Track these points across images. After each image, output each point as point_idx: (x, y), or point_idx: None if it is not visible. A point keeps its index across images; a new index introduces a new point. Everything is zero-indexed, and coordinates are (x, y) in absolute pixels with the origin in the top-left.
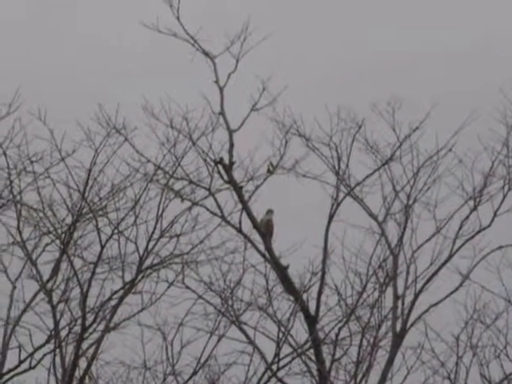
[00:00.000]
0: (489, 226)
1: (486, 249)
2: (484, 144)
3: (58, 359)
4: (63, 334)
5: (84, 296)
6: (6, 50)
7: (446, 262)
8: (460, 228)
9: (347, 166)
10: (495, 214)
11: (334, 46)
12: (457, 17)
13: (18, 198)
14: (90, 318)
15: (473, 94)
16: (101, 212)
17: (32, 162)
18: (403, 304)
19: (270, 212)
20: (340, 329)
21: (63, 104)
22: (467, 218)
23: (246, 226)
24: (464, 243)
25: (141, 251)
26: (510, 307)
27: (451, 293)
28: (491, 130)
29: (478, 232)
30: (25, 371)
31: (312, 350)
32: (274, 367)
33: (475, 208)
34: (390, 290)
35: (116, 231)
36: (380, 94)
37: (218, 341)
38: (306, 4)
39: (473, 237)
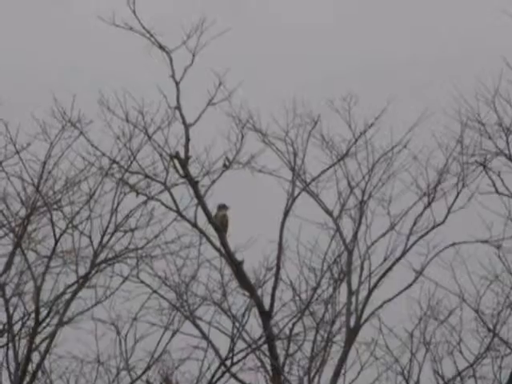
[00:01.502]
0: (443, 222)
1: (440, 245)
2: (438, 141)
3: (11, 353)
4: (16, 327)
5: (38, 290)
6: None
7: (399, 258)
8: (414, 224)
9: (303, 161)
10: (449, 211)
11: (291, 41)
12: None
13: None
14: (43, 312)
15: (427, 90)
16: (55, 206)
17: None
18: (357, 300)
19: (222, 207)
20: (294, 324)
21: (18, 96)
22: (421, 214)
23: (202, 220)
24: (418, 239)
25: (95, 245)
26: (463, 304)
27: (405, 289)
28: (445, 127)
29: (432, 228)
30: None
31: (266, 346)
32: (228, 362)
33: (429, 204)
34: (344, 286)
35: (70, 225)
36: (336, 90)
37: (172, 336)
38: None
39: (427, 233)
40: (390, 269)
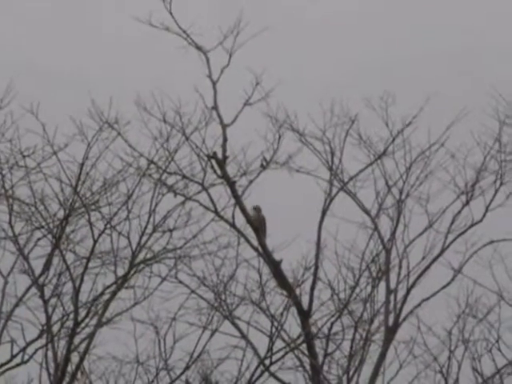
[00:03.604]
0: (481, 220)
1: (478, 243)
2: (476, 139)
3: (50, 354)
4: (55, 328)
5: (76, 291)
6: None
7: (438, 256)
8: (452, 223)
9: (340, 160)
10: (487, 209)
11: (328, 41)
12: (449, 16)
13: (10, 192)
14: (82, 312)
15: (465, 89)
16: (93, 206)
17: (24, 156)
18: (396, 298)
19: (256, 209)
20: (333, 323)
21: (55, 98)
22: (459, 212)
23: (239, 220)
24: (456, 238)
25: (133, 246)
26: (501, 301)
27: (443, 287)
28: (483, 125)
29: (470, 227)
30: (17, 366)
31: (305, 345)
32: (267, 362)
33: (467, 203)
34: (382, 285)
35: (108, 226)
36: (373, 89)
37: (211, 335)
38: None
39: (465, 231)
40: (428, 267)
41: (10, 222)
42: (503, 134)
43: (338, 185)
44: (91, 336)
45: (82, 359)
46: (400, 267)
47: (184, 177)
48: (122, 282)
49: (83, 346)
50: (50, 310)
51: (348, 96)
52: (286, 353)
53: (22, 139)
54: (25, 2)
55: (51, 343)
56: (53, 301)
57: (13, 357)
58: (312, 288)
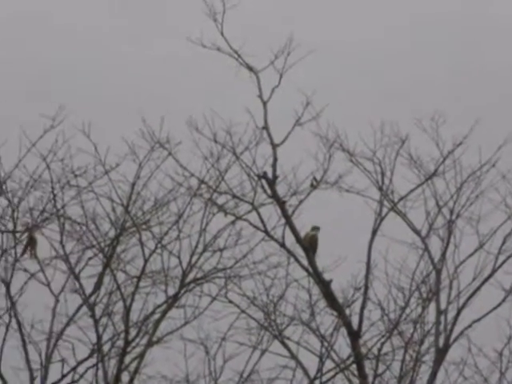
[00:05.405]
0: None
1: None
2: None
3: (100, 373)
4: (106, 348)
5: (127, 310)
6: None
7: (488, 277)
8: (503, 243)
9: (390, 180)
10: None
11: (378, 61)
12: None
13: (62, 211)
14: (132, 332)
15: None
16: (144, 226)
17: (76, 175)
18: (446, 319)
19: (315, 229)
20: (383, 344)
21: (107, 118)
22: (510, 233)
23: (290, 240)
24: (507, 258)
25: (184, 265)
26: None
27: (494, 308)
28: None
29: None
30: None
31: (355, 365)
32: (317, 382)
33: None
34: (432, 305)
35: (159, 245)
36: (423, 108)
37: (261, 355)
38: (349, 19)
39: None
40: (478, 288)
41: (61, 242)
42: None
43: (388, 205)
44: (141, 355)
45: (132, 379)
46: (450, 288)
47: (234, 196)
48: (172, 301)
49: (133, 365)
50: (100, 329)
51: (398, 115)
52: (336, 373)
53: (74, 159)
54: None
55: (102, 362)
56: (103, 320)
57: (63, 376)
58: (362, 308)
